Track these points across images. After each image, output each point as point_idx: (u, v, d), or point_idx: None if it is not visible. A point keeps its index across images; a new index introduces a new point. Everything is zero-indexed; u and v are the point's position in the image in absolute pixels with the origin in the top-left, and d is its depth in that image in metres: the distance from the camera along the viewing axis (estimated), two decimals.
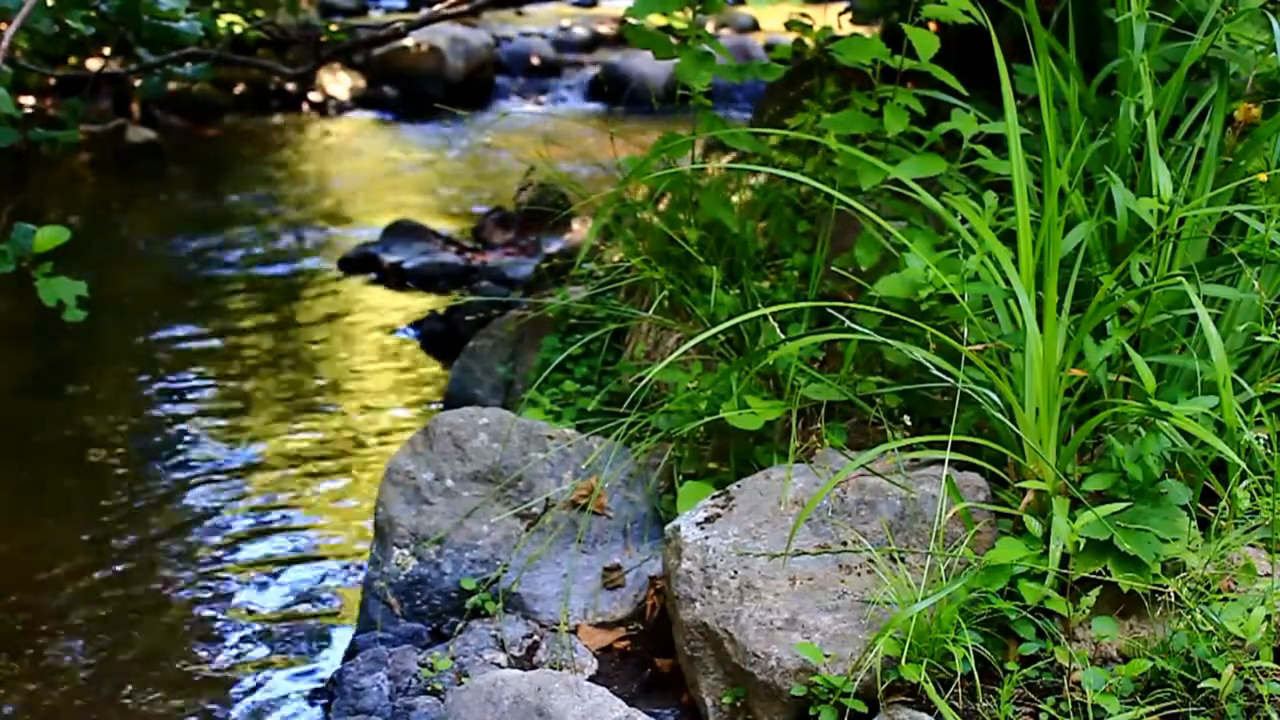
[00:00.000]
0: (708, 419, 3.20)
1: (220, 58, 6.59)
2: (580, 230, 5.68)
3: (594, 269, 4.02)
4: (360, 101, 10.66)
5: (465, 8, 7.33)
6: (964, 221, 2.99)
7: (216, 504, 4.33)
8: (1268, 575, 2.51)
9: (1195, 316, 2.67)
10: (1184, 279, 2.66)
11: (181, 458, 4.65)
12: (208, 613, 3.72)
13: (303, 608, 3.75)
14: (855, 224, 3.37)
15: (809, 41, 4.41)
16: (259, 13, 8.72)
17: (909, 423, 3.05)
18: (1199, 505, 2.67)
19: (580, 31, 12.48)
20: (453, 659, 3.02)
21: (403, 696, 2.97)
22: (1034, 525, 2.59)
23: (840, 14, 4.81)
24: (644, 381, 3.13)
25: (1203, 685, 2.38)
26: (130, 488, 4.42)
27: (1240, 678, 2.36)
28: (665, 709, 2.84)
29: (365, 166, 8.93)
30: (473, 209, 7.67)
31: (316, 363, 5.54)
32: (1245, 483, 2.60)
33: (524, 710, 2.55)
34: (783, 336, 3.20)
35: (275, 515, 4.27)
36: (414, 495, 3.33)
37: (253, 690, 3.35)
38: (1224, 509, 2.61)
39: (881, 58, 3.45)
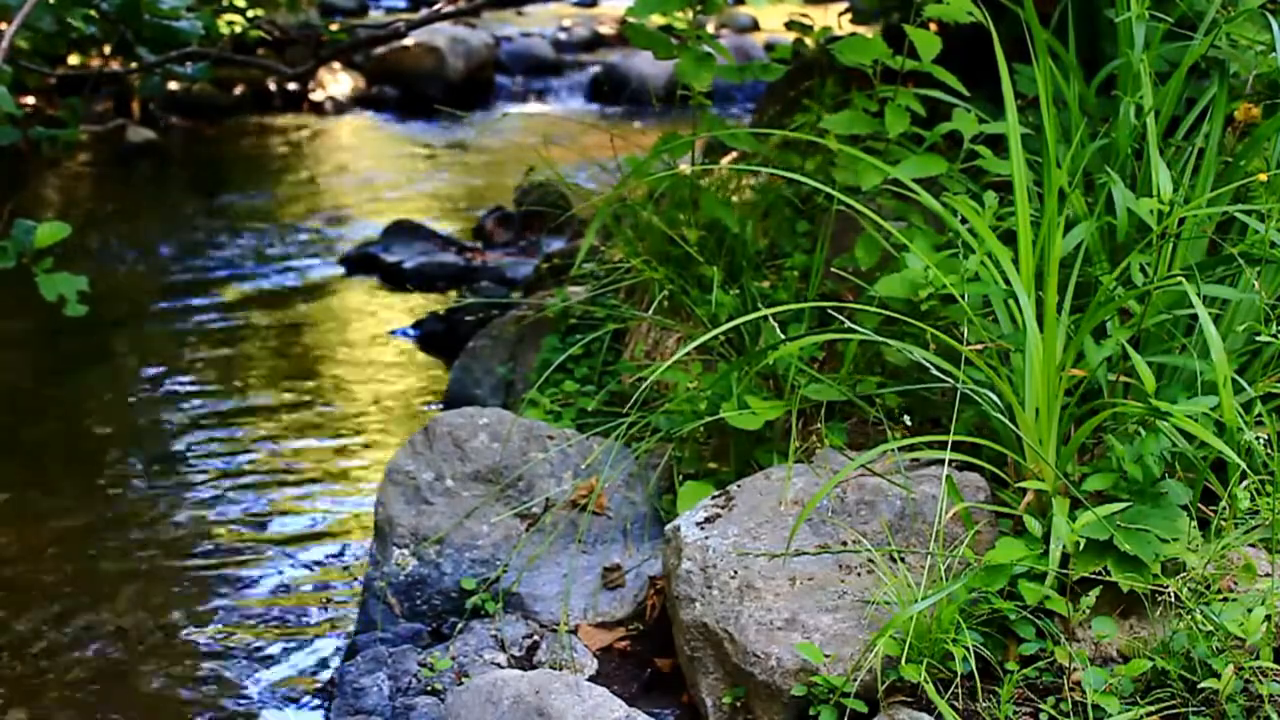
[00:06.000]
0: (708, 419, 3.20)
1: (220, 57, 6.60)
2: (580, 230, 5.68)
3: (594, 269, 4.02)
4: (360, 101, 10.66)
5: (465, 7, 7.33)
6: (964, 221, 2.99)
7: (215, 503, 4.32)
8: (1268, 575, 2.51)
9: (1195, 316, 2.67)
10: (1184, 279, 2.66)
11: (180, 457, 4.65)
12: (207, 612, 3.72)
13: (302, 608, 3.74)
14: (855, 224, 3.36)
15: (809, 41, 4.40)
16: (259, 12, 8.72)
17: (909, 423, 3.05)
18: (1199, 505, 2.67)
19: (580, 31, 12.48)
20: (453, 659, 3.02)
21: (403, 696, 2.97)
22: (1034, 525, 2.59)
23: (840, 14, 4.80)
24: (644, 382, 3.13)
25: (1203, 685, 2.38)
26: (129, 488, 4.41)
27: (1240, 678, 2.36)
28: (665, 709, 2.84)
29: (365, 166, 8.93)
30: (473, 209, 7.67)
31: (316, 362, 5.54)
32: (1245, 483, 2.60)
33: (524, 710, 2.55)
34: (783, 336, 3.19)
35: (274, 515, 4.26)
36: (414, 495, 3.33)
37: (253, 690, 3.35)
38: (1224, 509, 2.61)
39: (882, 58, 3.45)
